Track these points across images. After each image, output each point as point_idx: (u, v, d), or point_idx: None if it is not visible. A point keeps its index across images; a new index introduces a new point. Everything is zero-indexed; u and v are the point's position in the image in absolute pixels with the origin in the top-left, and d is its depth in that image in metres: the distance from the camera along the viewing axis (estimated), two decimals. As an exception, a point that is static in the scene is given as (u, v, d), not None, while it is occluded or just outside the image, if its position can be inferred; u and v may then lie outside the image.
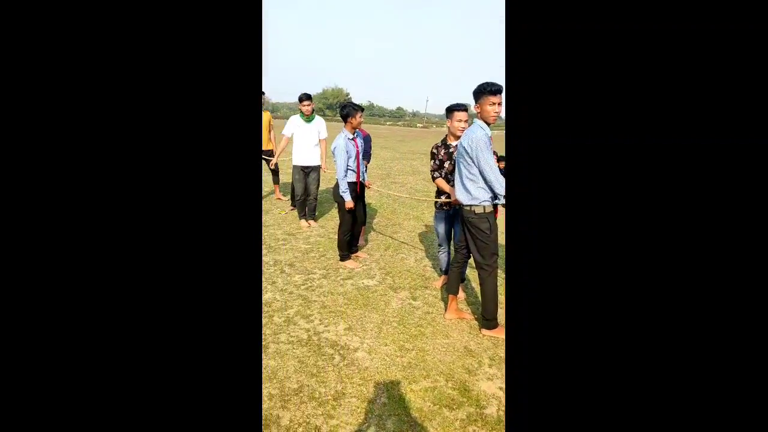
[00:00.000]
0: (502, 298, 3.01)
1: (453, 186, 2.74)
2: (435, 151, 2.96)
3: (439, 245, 3.19)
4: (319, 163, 4.58)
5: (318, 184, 4.66)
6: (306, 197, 4.63)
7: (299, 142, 4.48)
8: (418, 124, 54.70)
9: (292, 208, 5.21)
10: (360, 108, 3.39)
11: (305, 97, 4.48)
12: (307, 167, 4.52)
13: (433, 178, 3.02)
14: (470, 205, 2.41)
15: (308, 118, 4.48)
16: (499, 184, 2.32)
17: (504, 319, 2.73)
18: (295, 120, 4.54)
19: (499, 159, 2.66)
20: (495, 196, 2.39)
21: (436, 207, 3.10)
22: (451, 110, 2.86)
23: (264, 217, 4.84)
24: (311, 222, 4.71)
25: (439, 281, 3.24)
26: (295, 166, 4.54)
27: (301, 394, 1.87)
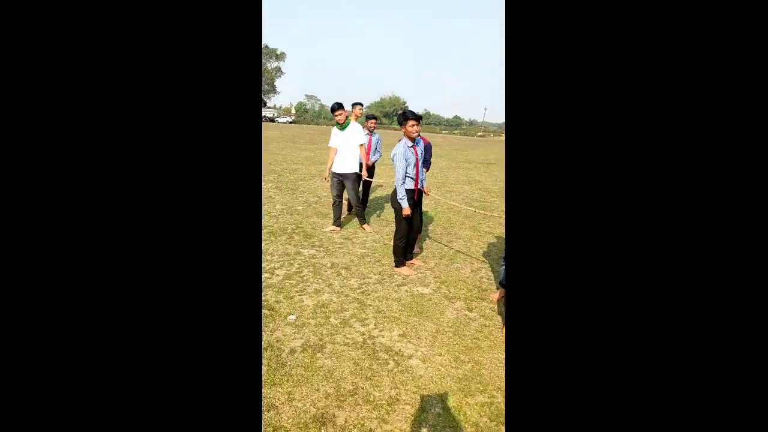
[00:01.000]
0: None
1: None
2: None
3: (504, 257, 3.08)
4: (356, 170, 4.56)
5: (356, 191, 4.61)
6: (340, 201, 4.68)
7: (338, 151, 4.54)
8: (478, 133, 53.83)
9: (348, 212, 5.36)
10: (412, 117, 3.34)
11: (337, 107, 4.46)
12: (342, 174, 4.51)
13: None
14: None
15: (342, 126, 4.49)
16: None
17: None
18: (334, 130, 4.60)
19: None
20: None
21: None
22: None
23: (323, 220, 5.01)
24: (366, 227, 4.77)
25: (496, 294, 3.14)
26: (332, 173, 4.57)
27: (356, 396, 1.89)
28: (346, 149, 4.51)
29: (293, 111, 60.19)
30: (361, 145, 4.60)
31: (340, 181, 4.57)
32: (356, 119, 5.33)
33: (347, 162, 4.53)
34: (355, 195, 4.62)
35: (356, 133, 4.56)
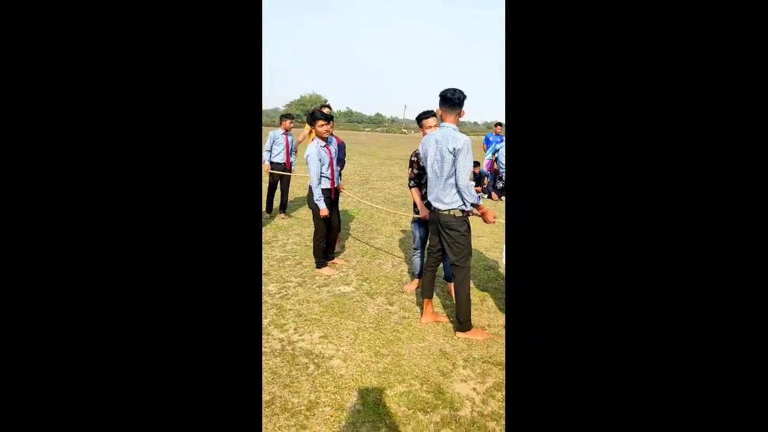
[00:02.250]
0: (476, 300, 3.06)
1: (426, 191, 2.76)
2: (415, 158, 2.96)
3: (415, 249, 3.21)
4: None
5: None
6: None
7: None
8: (403, 129, 55.05)
9: (267, 215, 5.17)
10: (321, 117, 3.31)
11: None
12: None
13: (410, 186, 3.05)
14: (449, 210, 2.44)
15: None
16: (469, 192, 2.37)
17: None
18: None
19: (473, 164, 2.73)
20: (464, 203, 2.43)
21: (414, 211, 3.13)
22: (421, 119, 2.91)
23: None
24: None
25: (411, 285, 3.26)
26: None
27: (273, 406, 1.84)
28: None
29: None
30: None
31: None
32: (286, 131, 5.07)
33: None
34: None
35: None
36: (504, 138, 7.48)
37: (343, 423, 1.76)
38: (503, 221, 2.66)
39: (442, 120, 2.48)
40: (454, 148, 2.34)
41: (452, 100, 2.39)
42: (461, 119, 2.50)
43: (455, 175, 2.38)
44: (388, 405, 1.88)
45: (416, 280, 3.23)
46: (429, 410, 1.85)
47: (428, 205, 2.62)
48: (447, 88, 2.43)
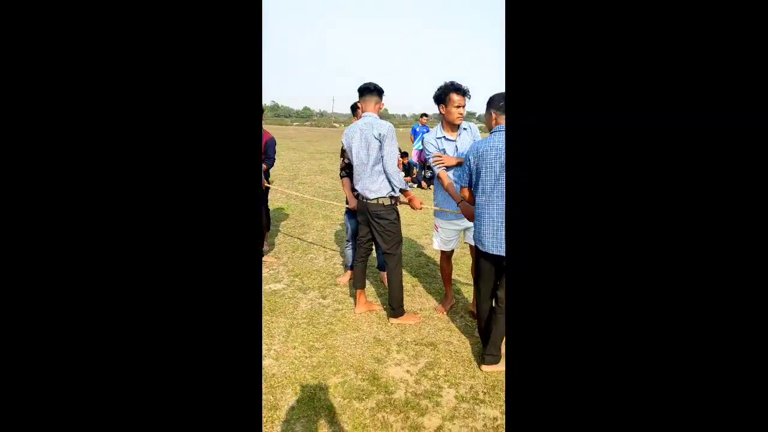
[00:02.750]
0: (409, 286, 3.14)
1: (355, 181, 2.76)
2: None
3: (347, 240, 3.20)
4: None
5: None
6: None
7: None
8: (334, 123, 54.17)
9: None
10: None
11: None
12: None
13: (341, 176, 3.02)
14: (377, 198, 2.46)
15: None
16: (398, 179, 2.43)
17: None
18: None
19: (402, 155, 2.81)
20: (393, 188, 2.48)
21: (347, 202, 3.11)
22: (356, 108, 2.92)
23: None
24: None
25: (344, 277, 3.25)
26: None
27: (200, 415, 1.72)
28: None
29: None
30: None
31: None
32: None
33: None
34: None
35: None
36: (429, 129, 7.74)
37: (278, 422, 1.70)
38: (429, 207, 2.76)
39: (362, 111, 2.53)
40: (379, 134, 2.37)
41: (371, 90, 2.50)
42: (390, 113, 2.60)
43: (383, 161, 2.41)
44: (323, 398, 1.86)
45: (349, 272, 3.22)
46: (364, 397, 1.87)
47: (357, 196, 2.62)
48: (366, 82, 2.52)
